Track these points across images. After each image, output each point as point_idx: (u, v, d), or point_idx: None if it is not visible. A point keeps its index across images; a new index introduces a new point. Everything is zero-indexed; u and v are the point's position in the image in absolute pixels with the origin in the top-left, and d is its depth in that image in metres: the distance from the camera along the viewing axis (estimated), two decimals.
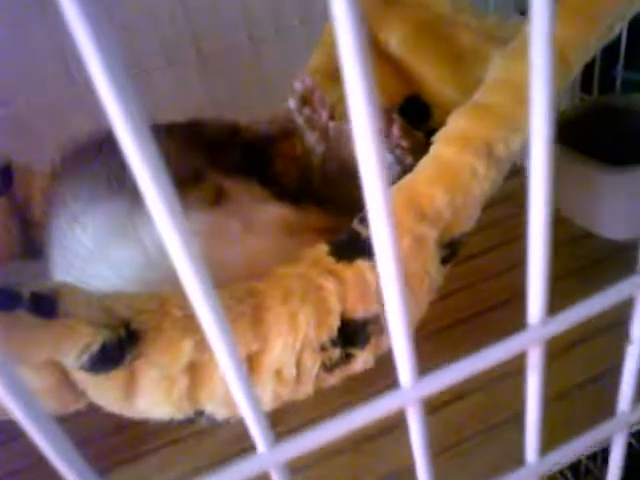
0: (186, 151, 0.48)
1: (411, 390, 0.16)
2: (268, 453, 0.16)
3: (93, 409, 0.46)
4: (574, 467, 0.90)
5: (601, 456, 0.85)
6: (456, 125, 0.38)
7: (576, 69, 0.36)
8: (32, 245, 0.49)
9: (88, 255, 0.41)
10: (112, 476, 0.47)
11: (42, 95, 0.64)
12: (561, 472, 0.92)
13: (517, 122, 0.36)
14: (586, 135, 0.59)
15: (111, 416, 0.45)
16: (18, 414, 0.13)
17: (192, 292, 0.13)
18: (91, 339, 0.30)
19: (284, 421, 0.46)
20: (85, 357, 0.30)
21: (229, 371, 0.14)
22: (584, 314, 0.17)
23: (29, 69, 0.66)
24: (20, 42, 0.66)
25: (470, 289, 0.58)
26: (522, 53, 0.38)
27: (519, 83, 0.37)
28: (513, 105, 0.37)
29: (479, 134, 0.36)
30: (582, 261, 0.59)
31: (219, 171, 0.47)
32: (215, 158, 0.48)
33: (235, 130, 0.53)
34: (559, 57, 0.35)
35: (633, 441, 0.80)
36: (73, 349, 0.29)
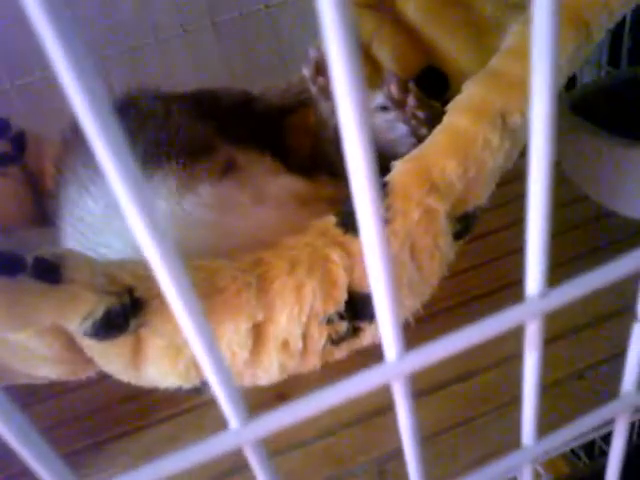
0: (197, 121, 0.47)
1: (397, 364, 0.15)
2: (241, 429, 0.15)
3: (103, 377, 0.47)
4: (588, 448, 0.89)
5: None
6: (470, 94, 0.36)
7: (597, 35, 0.34)
8: (43, 214, 0.50)
9: (97, 224, 0.41)
10: (122, 444, 0.48)
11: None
12: (575, 453, 0.92)
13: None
14: (611, 109, 0.57)
15: (121, 385, 0.45)
16: None
17: (154, 261, 0.12)
18: (94, 306, 0.30)
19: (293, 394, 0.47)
20: (88, 323, 0.30)
21: (196, 344, 0.14)
22: (585, 288, 0.16)
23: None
24: None
25: (484, 267, 0.57)
26: None
27: None
28: (530, 72, 0.35)
29: (493, 103, 0.35)
30: (601, 240, 0.58)
31: (230, 142, 0.46)
32: (227, 128, 0.48)
33: (247, 100, 0.52)
34: (574, 20, 0.33)
35: None
36: (76, 315, 0.29)
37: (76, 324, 0.30)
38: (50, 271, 0.29)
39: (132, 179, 0.11)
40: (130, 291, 0.31)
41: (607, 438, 0.83)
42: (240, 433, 0.15)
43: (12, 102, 0.60)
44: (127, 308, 0.31)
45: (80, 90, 0.10)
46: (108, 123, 0.11)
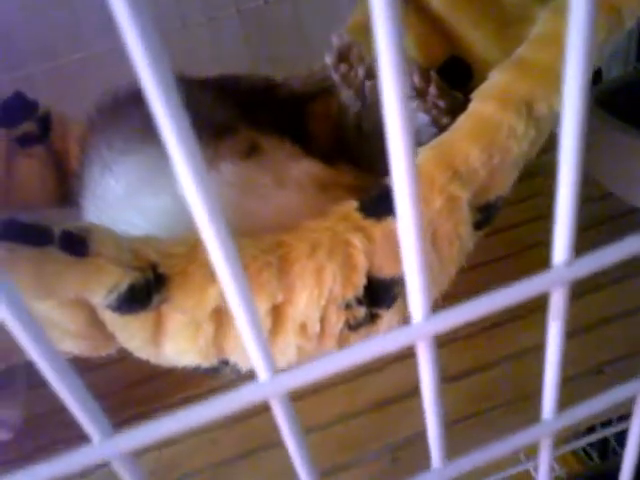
0: (220, 104, 0.47)
1: (423, 325, 0.16)
2: (270, 382, 0.15)
3: (121, 358, 0.47)
4: (601, 449, 0.89)
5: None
6: (496, 81, 0.36)
7: (628, 22, 0.34)
8: (67, 194, 0.50)
9: (120, 203, 0.42)
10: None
11: (84, 49, 0.64)
12: (587, 453, 0.91)
13: (561, 78, 0.35)
14: (637, 104, 0.56)
15: (138, 367, 0.46)
16: (34, 355, 0.13)
17: (208, 237, 0.13)
18: (119, 279, 0.30)
19: None
20: (112, 297, 0.30)
21: (229, 287, 0.14)
22: (610, 258, 0.16)
23: (72, 23, 0.67)
24: None
25: (502, 261, 0.57)
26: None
27: (564, 36, 0.35)
28: (558, 62, 0.35)
29: (520, 91, 0.35)
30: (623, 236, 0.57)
31: (252, 126, 0.47)
32: (249, 113, 0.48)
33: (270, 86, 0.53)
34: (606, 4, 0.33)
35: None
36: (101, 288, 0.30)
37: (100, 297, 0.30)
38: (77, 244, 0.29)
39: (191, 153, 0.12)
40: (154, 267, 0.31)
41: (620, 439, 0.82)
42: (268, 385, 0.15)
43: (38, 85, 0.61)
44: (151, 283, 0.31)
45: (147, 63, 0.10)
46: (171, 95, 0.11)
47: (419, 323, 0.16)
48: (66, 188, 0.51)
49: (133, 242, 0.32)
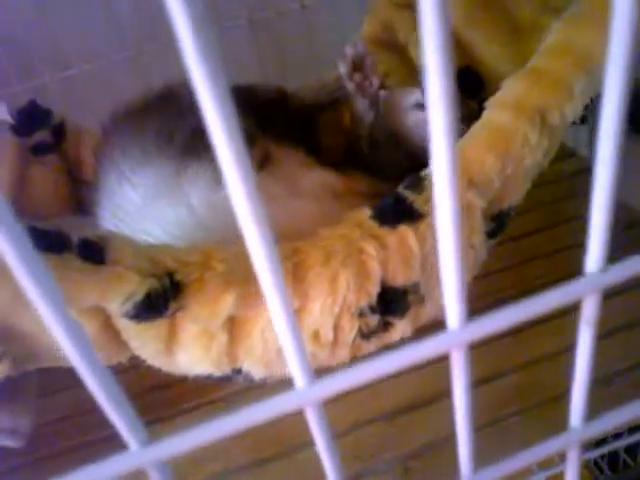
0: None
1: (458, 333, 0.16)
2: (307, 390, 0.15)
3: (131, 367, 0.47)
4: (612, 461, 0.88)
5: None
6: (510, 91, 0.37)
7: None
8: (79, 203, 0.51)
9: (136, 212, 0.42)
10: (152, 433, 0.48)
11: (95, 60, 0.65)
12: (598, 466, 0.90)
13: (574, 88, 0.35)
14: None
15: (149, 375, 0.46)
16: (77, 363, 0.13)
17: (253, 243, 0.13)
18: (137, 287, 0.30)
19: None
20: (130, 304, 0.30)
21: (274, 300, 0.14)
22: None
23: (84, 35, 0.68)
24: (76, 9, 0.68)
25: (514, 269, 0.57)
26: (584, 17, 0.36)
27: (579, 47, 0.35)
28: (572, 71, 0.35)
29: (533, 100, 0.35)
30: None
31: (266, 136, 0.47)
32: (263, 123, 0.48)
33: (283, 97, 0.53)
34: None
35: None
36: (119, 295, 0.30)
37: (118, 304, 0.30)
38: (95, 252, 0.30)
39: (241, 159, 0.12)
40: (170, 274, 0.31)
41: (631, 452, 0.82)
42: (304, 393, 0.15)
43: (52, 94, 0.61)
44: (167, 291, 0.31)
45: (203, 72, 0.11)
46: (225, 102, 0.12)
47: (455, 330, 0.16)
48: (79, 196, 0.51)
49: (150, 250, 0.32)
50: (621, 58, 0.13)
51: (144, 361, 0.39)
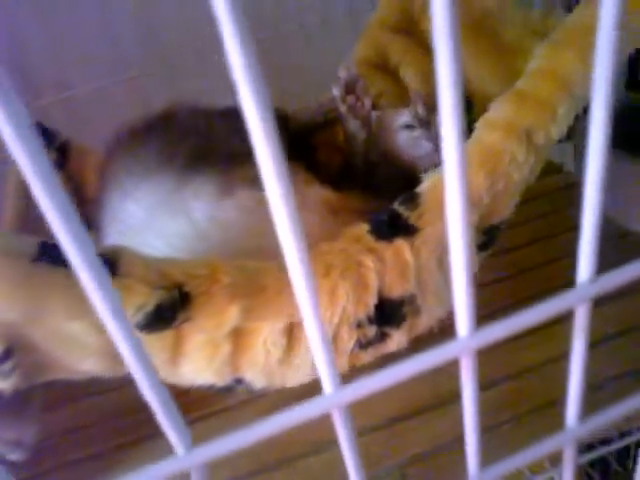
0: (234, 133, 0.50)
1: (468, 339, 0.17)
2: (334, 395, 0.17)
3: (125, 384, 0.48)
4: (603, 470, 0.89)
5: (632, 461, 0.84)
6: (498, 112, 0.39)
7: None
8: (85, 221, 0.52)
9: (139, 226, 0.44)
10: (155, 444, 0.49)
11: (97, 81, 0.67)
12: (589, 475, 0.91)
13: (558, 110, 0.37)
14: (628, 129, 0.59)
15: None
16: (138, 376, 0.15)
17: (289, 251, 0.15)
18: (147, 298, 0.32)
19: None
20: (140, 315, 0.32)
21: (308, 313, 0.16)
22: (631, 275, 0.18)
23: (86, 56, 0.70)
24: (78, 31, 0.70)
25: (507, 281, 0.59)
26: (566, 43, 0.39)
27: (562, 72, 0.38)
28: (555, 93, 0.38)
29: (520, 121, 0.37)
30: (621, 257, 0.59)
31: None
32: None
33: (283, 117, 0.55)
34: None
35: None
36: (130, 306, 0.31)
37: (129, 316, 0.32)
38: (107, 265, 0.31)
39: (283, 176, 0.14)
40: (179, 286, 0.33)
41: (621, 459, 0.83)
42: (332, 398, 0.17)
43: (54, 115, 0.63)
44: (176, 302, 0.33)
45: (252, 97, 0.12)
46: (269, 126, 0.13)
47: (464, 338, 0.17)
48: (84, 215, 0.53)
49: (160, 263, 0.34)
50: (604, 83, 0.15)
51: None
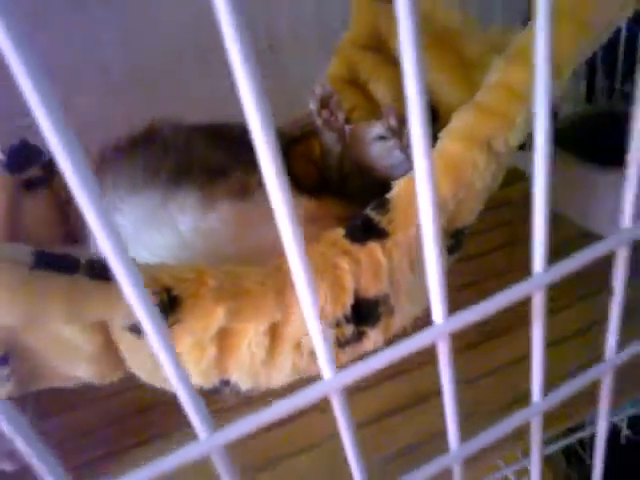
0: (214, 149, 0.52)
1: (444, 325, 0.20)
2: (332, 379, 0.20)
3: (120, 391, 0.50)
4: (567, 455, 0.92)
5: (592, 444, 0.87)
6: (460, 122, 0.42)
7: (566, 73, 0.40)
8: (69, 234, 0.54)
9: (128, 239, 0.46)
10: (146, 451, 0.51)
11: (81, 97, 0.68)
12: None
13: (515, 119, 0.41)
14: (587, 139, 0.63)
15: (136, 398, 0.50)
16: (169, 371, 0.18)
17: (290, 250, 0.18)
18: None
19: None
20: (132, 319, 0.34)
21: (309, 309, 0.18)
22: (579, 263, 0.21)
23: (70, 73, 0.71)
24: (62, 48, 0.71)
25: (475, 285, 0.62)
26: (517, 58, 0.43)
27: (516, 84, 0.41)
28: (511, 104, 0.41)
29: (481, 131, 0.41)
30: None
31: (244, 167, 0.51)
32: (240, 156, 0.53)
33: None
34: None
35: (629, 432, 0.83)
36: (123, 310, 0.33)
37: (122, 318, 0.34)
38: (101, 271, 0.33)
39: (287, 196, 0.17)
40: (168, 290, 0.35)
41: (584, 445, 0.87)
42: (331, 382, 0.19)
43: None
44: (166, 305, 0.35)
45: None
46: (273, 148, 0.16)
47: (440, 324, 0.20)
48: (68, 228, 0.55)
49: (149, 268, 0.36)
50: (543, 93, 0.18)
51: (137, 382, 0.43)
